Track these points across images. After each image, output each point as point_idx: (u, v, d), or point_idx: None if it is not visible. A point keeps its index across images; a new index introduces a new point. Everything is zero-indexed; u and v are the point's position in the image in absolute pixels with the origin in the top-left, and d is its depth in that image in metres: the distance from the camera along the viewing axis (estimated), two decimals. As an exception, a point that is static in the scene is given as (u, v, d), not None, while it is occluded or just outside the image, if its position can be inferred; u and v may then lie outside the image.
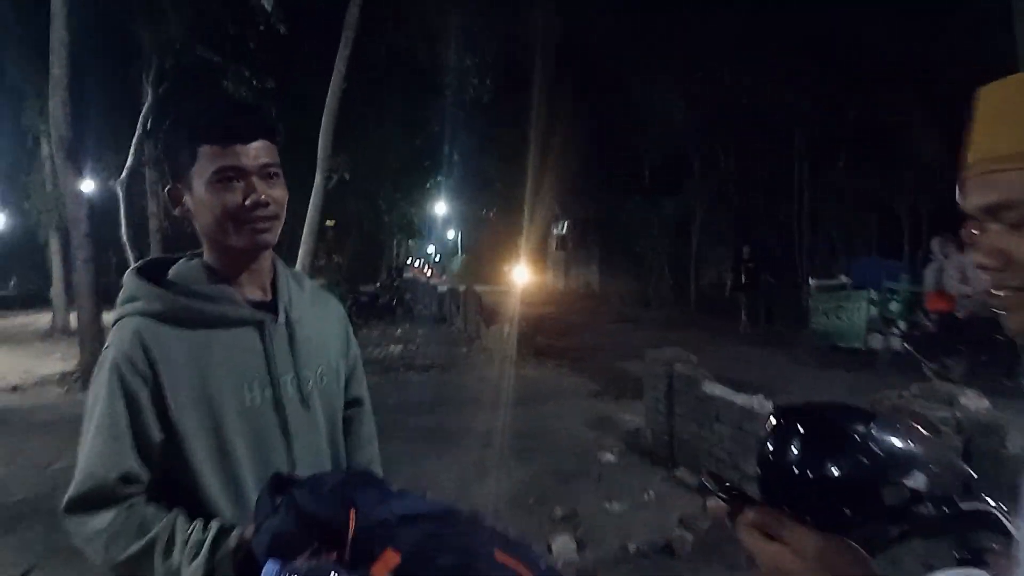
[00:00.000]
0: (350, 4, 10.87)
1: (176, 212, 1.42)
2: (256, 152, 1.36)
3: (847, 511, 1.47)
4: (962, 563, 1.42)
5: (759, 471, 1.63)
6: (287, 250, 10.98)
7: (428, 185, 22.19)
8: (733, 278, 16.81)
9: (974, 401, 3.15)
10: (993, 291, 0.80)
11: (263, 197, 1.36)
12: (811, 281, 12.21)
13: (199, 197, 1.36)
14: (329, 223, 18.10)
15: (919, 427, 2.70)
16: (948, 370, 8.14)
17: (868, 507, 1.46)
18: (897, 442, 1.51)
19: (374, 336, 14.63)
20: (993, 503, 1.42)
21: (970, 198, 0.79)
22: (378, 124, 16.03)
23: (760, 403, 5.05)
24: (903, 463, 1.47)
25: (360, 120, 14.52)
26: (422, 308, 19.88)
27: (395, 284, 21.49)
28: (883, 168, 16.09)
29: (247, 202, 1.35)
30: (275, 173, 1.40)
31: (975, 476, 1.54)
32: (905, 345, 9.19)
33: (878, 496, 1.46)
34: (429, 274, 37.58)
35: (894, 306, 10.18)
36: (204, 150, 1.34)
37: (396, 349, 12.92)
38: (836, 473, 1.47)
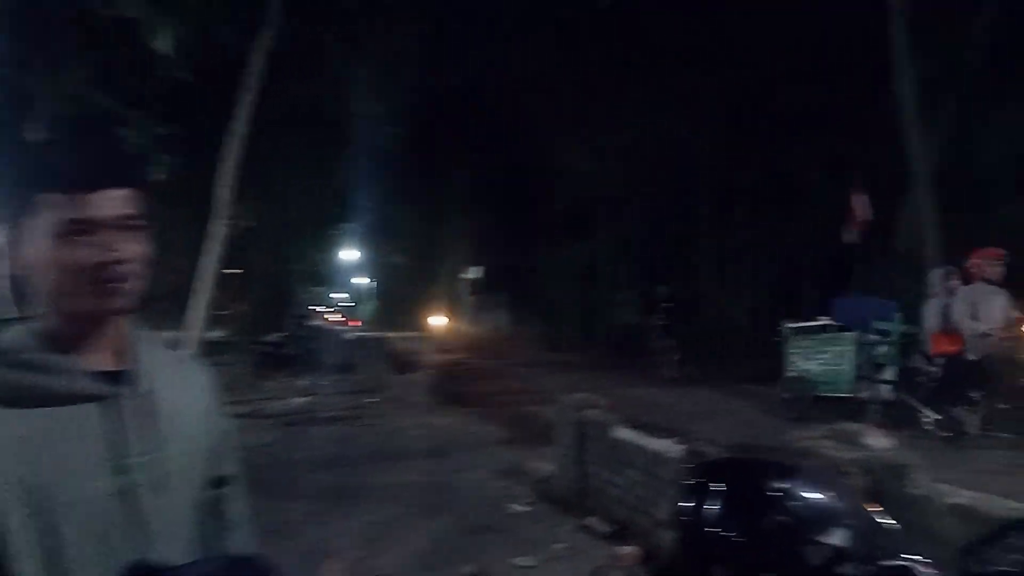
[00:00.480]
0: (255, 51, 10.64)
1: (15, 270, 1.20)
2: (113, 201, 1.15)
3: (768, 573, 1.37)
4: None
5: (679, 528, 1.51)
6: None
7: (337, 232, 21.79)
8: (652, 319, 16.71)
9: (879, 441, 3.16)
10: None
11: (119, 254, 1.15)
12: (786, 324, 10.69)
13: (37, 252, 1.14)
14: (232, 271, 17.47)
15: (836, 476, 2.63)
16: (956, 422, 7.21)
17: (789, 567, 1.36)
18: (819, 497, 1.41)
19: (276, 388, 14.03)
20: (912, 558, 1.35)
21: None
22: (285, 172, 15.67)
23: (670, 447, 5.01)
24: (825, 519, 1.37)
25: (265, 168, 14.16)
26: (330, 357, 19.30)
27: (301, 333, 20.82)
28: (784, 215, 16.75)
29: (99, 260, 1.13)
30: (137, 225, 1.19)
31: (898, 527, 1.47)
32: (900, 394, 8.16)
33: (800, 556, 1.36)
34: (338, 321, 36.76)
35: (886, 349, 9.00)
36: (44, 198, 1.13)
37: (299, 401, 12.40)
38: (757, 532, 1.37)
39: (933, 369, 7.74)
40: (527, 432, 8.70)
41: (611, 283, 21.36)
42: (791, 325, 10.51)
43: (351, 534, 5.34)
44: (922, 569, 1.29)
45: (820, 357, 9.70)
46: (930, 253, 12.09)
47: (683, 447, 4.70)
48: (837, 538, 1.32)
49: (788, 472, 1.43)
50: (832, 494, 1.42)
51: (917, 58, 11.90)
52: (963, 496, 2.61)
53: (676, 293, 16.40)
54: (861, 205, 11.39)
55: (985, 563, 1.33)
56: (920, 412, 7.65)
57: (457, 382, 13.15)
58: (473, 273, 26.67)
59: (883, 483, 2.92)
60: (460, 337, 21.45)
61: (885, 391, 8.48)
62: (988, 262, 7.68)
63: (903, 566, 1.29)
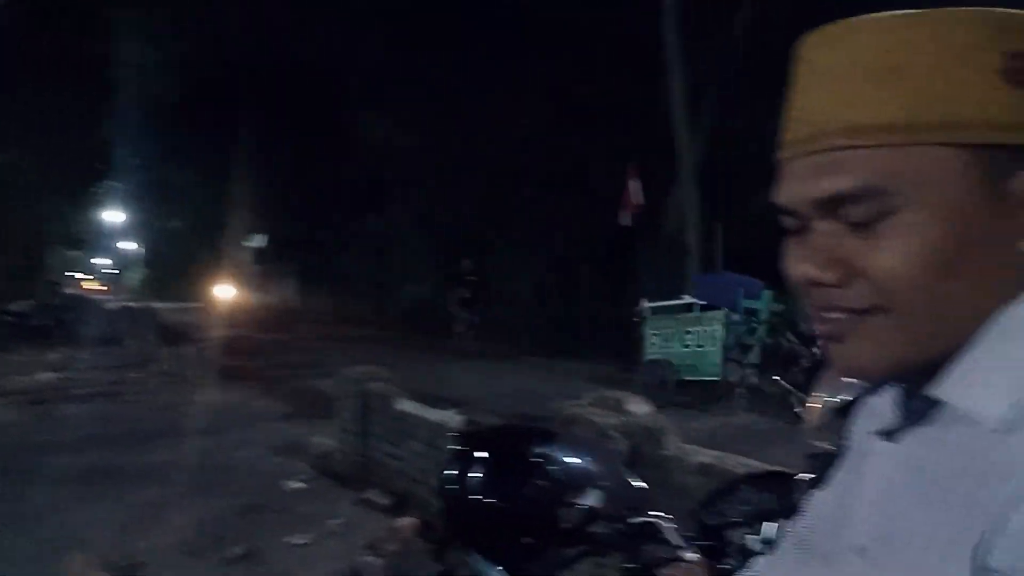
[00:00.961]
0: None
1: None
2: None
3: (528, 539, 1.39)
4: (627, 572, 1.42)
5: (444, 497, 1.50)
6: None
7: (100, 191, 19.67)
8: (455, 293, 16.66)
9: (639, 407, 3.39)
10: (823, 314, 0.58)
11: None
12: (643, 303, 9.84)
13: None
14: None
15: (594, 441, 2.76)
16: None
17: (548, 532, 1.39)
18: (575, 461, 1.47)
19: (21, 362, 12.45)
20: (657, 515, 1.44)
21: (798, 187, 0.57)
22: (38, 119, 13.81)
23: (452, 418, 5.06)
24: (581, 483, 1.43)
25: (12, 112, 12.39)
26: (89, 329, 17.46)
27: (55, 302, 18.63)
28: (570, 198, 17.53)
29: None
30: None
31: (645, 488, 1.56)
32: (775, 379, 7.84)
33: (557, 519, 1.40)
34: (99, 290, 33.34)
35: (755, 330, 8.57)
36: None
37: (49, 377, 11.09)
38: (517, 497, 1.39)
39: (813, 352, 7.31)
40: (309, 407, 8.42)
41: (406, 257, 21.24)
42: (650, 304, 9.67)
43: (105, 521, 4.86)
44: (665, 524, 1.37)
45: (684, 339, 8.94)
46: (693, 237, 13.32)
47: (463, 418, 4.77)
48: (591, 499, 1.37)
49: (547, 438, 1.47)
50: (588, 458, 1.47)
51: (687, 55, 12.95)
52: (707, 455, 2.88)
53: (478, 268, 16.58)
54: (635, 191, 12.24)
55: (719, 515, 1.44)
56: (792, 395, 7.39)
57: (236, 356, 12.45)
58: (257, 241, 25.31)
59: (640, 446, 3.14)
60: (242, 309, 20.29)
61: (753, 374, 8.18)
62: None
63: (648, 522, 1.37)
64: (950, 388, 0.53)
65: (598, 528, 1.38)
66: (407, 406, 5.54)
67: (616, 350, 13.46)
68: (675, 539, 1.36)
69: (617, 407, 3.36)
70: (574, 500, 1.40)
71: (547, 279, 19.27)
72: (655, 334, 9.39)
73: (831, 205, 0.54)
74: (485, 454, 1.46)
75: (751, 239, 13.57)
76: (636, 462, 3.09)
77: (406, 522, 4.70)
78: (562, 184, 17.20)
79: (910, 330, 0.53)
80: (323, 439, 6.81)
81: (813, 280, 0.56)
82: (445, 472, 1.47)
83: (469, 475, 1.45)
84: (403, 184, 20.80)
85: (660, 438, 3.10)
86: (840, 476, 0.71)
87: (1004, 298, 0.52)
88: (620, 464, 1.62)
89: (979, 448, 0.50)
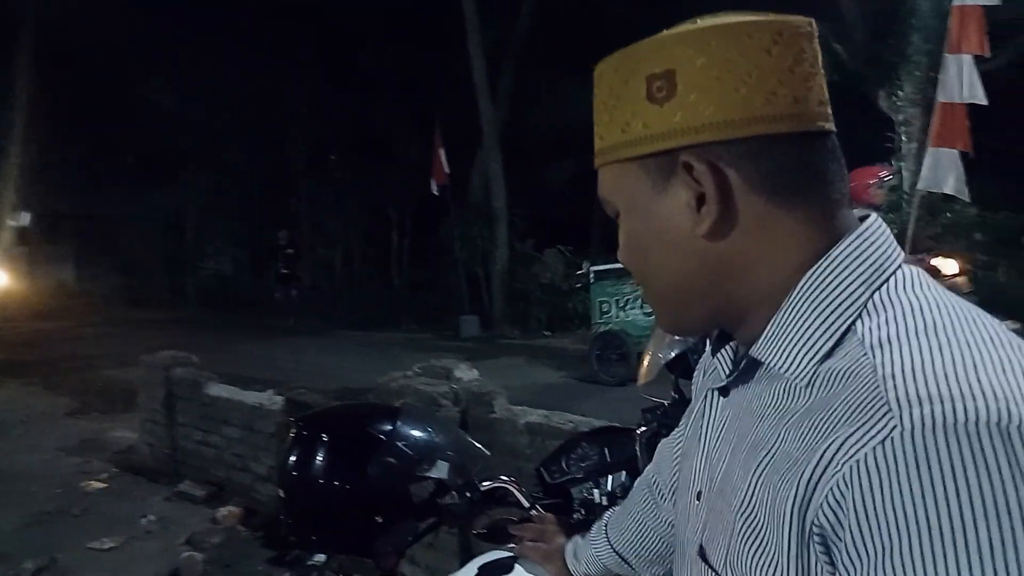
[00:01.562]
0: None
1: None
2: None
3: (378, 519, 1.38)
4: (480, 537, 1.45)
5: (282, 491, 1.44)
6: None
7: None
8: (274, 267, 15.72)
9: (467, 373, 3.44)
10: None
11: None
12: (587, 266, 8.96)
13: None
14: None
15: (439, 415, 2.77)
16: None
17: (399, 509, 1.38)
18: (421, 435, 1.47)
19: None
20: (505, 479, 1.48)
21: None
22: None
23: (271, 399, 4.86)
24: (428, 456, 1.43)
25: None
26: None
27: None
28: (377, 167, 17.22)
29: None
30: None
31: (488, 454, 1.59)
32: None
33: (407, 495, 1.39)
34: None
35: None
36: None
37: None
38: (366, 480, 1.36)
39: None
40: (103, 400, 7.72)
41: (201, 232, 19.87)
42: (597, 268, 8.67)
43: None
44: (514, 488, 1.41)
45: (643, 305, 7.90)
46: (497, 204, 13.61)
47: (283, 399, 4.59)
48: (439, 471, 1.38)
49: (390, 415, 1.45)
50: (432, 430, 1.48)
51: (485, 22, 13.09)
52: (535, 415, 2.99)
53: (295, 239, 15.81)
54: (441, 160, 12.30)
55: (561, 472, 1.50)
56: None
57: (7, 347, 11.12)
58: (22, 220, 22.53)
59: (470, 411, 3.20)
60: (8, 294, 18.03)
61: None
62: (866, 184, 7.81)
63: (499, 487, 1.40)
64: (764, 348, 0.60)
65: (449, 500, 1.39)
66: (219, 390, 5.24)
67: (435, 318, 13.59)
68: (524, 500, 1.41)
69: (445, 374, 3.39)
70: (422, 474, 1.40)
71: (360, 250, 18.92)
72: (604, 301, 8.39)
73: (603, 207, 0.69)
74: (327, 436, 1.41)
75: (552, 207, 14.18)
76: (467, 427, 3.15)
77: (227, 511, 4.49)
78: (372, 154, 16.86)
79: (658, 300, 0.68)
80: (124, 433, 6.29)
81: (622, 263, 0.70)
82: (286, 459, 1.41)
83: (312, 460, 1.40)
84: (195, 155, 19.36)
85: (489, 402, 3.17)
86: (686, 428, 0.80)
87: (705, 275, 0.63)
88: (463, 433, 1.64)
89: (788, 399, 0.58)
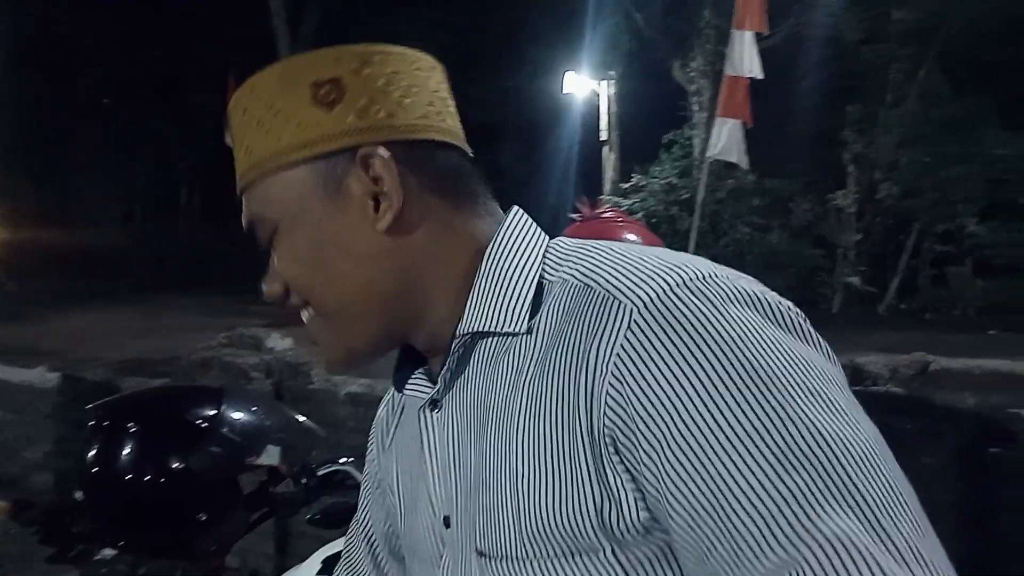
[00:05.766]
0: None
1: None
2: None
3: (201, 516, 1.23)
4: (313, 524, 1.35)
5: (80, 491, 1.24)
6: None
7: None
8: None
9: (279, 342, 3.23)
10: (304, 320, 0.67)
11: None
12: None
13: None
14: None
15: (265, 393, 2.56)
16: None
17: (225, 503, 1.24)
18: (249, 418, 1.32)
19: None
20: (346, 459, 1.38)
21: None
22: None
23: (43, 377, 4.30)
24: (257, 441, 1.29)
25: None
26: None
27: None
28: (166, 118, 15.78)
29: None
30: None
31: (323, 434, 1.48)
32: None
33: (235, 486, 1.25)
34: None
35: None
36: None
37: None
38: (186, 474, 1.21)
39: None
40: None
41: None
42: None
43: None
44: (353, 470, 1.32)
45: None
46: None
47: (59, 375, 4.08)
48: (270, 457, 1.26)
49: (212, 397, 1.30)
50: (261, 412, 1.34)
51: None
52: (356, 385, 2.87)
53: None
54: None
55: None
56: None
57: None
58: None
59: (284, 383, 3.01)
60: None
61: None
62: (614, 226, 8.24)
63: (339, 470, 1.30)
64: (473, 319, 0.61)
65: (284, 488, 1.27)
66: (-21, 368, 4.57)
67: (235, 280, 12.78)
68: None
69: (255, 344, 3.16)
70: (252, 462, 1.27)
71: (142, 205, 17.35)
72: None
73: (252, 236, 0.66)
74: (135, 426, 1.24)
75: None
76: (282, 400, 2.96)
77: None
78: (154, 100, 15.40)
79: (332, 320, 0.65)
80: None
81: (270, 295, 0.67)
82: (87, 453, 1.22)
83: (118, 454, 1.22)
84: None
85: (307, 372, 3.00)
86: (407, 465, 0.72)
87: (406, 266, 0.63)
88: (293, 413, 1.50)
89: (518, 358, 0.59)
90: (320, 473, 1.29)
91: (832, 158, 10.51)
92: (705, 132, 8.06)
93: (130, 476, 1.17)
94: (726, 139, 5.52)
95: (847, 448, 0.45)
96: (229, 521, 1.24)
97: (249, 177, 0.64)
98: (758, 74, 5.37)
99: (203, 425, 1.22)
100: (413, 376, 0.68)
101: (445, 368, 0.63)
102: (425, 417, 0.67)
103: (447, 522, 0.64)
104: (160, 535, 1.22)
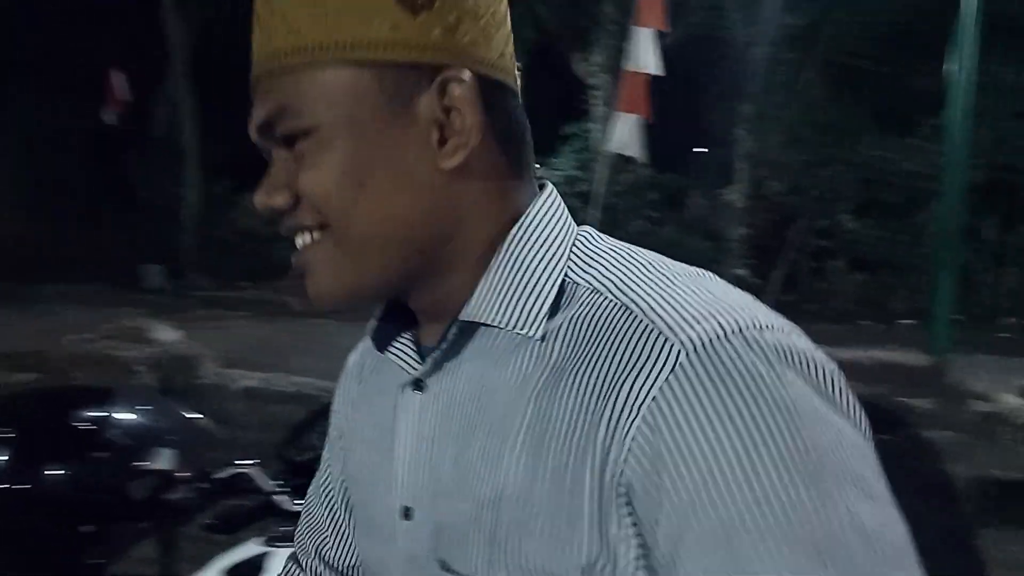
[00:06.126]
0: None
1: None
2: None
3: (85, 528, 1.13)
4: (208, 530, 1.27)
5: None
6: None
7: None
8: None
9: (167, 333, 3.06)
10: (295, 247, 0.58)
11: None
12: None
13: None
14: None
15: (157, 392, 2.42)
16: None
17: (113, 513, 1.15)
18: (139, 420, 1.23)
19: None
20: (244, 463, 1.30)
21: (251, 119, 0.56)
22: None
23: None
24: (148, 444, 1.20)
25: None
26: None
27: None
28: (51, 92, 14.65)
29: None
30: None
31: (218, 434, 1.39)
32: None
33: (123, 495, 1.16)
34: None
35: None
36: None
37: None
38: (69, 483, 1.11)
39: None
40: None
41: None
42: None
43: None
44: (254, 473, 1.25)
45: None
46: (186, 138, 12.42)
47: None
48: (163, 461, 1.17)
49: (98, 398, 1.20)
50: (152, 413, 1.25)
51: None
52: (252, 378, 2.75)
53: None
54: (119, 85, 10.87)
55: (308, 449, 1.36)
56: None
57: None
58: None
59: (173, 377, 2.86)
60: None
61: None
62: None
63: (238, 474, 1.22)
64: (481, 306, 0.54)
65: (178, 493, 1.19)
66: None
67: (109, 267, 12.05)
68: (266, 485, 1.25)
69: (139, 337, 2.97)
70: (142, 467, 1.18)
71: (14, 187, 16.12)
72: None
73: (267, 130, 0.55)
74: (10, 432, 1.14)
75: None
76: (168, 393, 2.80)
77: None
78: (28, 76, 14.29)
79: (357, 244, 0.55)
80: None
81: (267, 206, 0.56)
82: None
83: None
84: None
85: (196, 366, 2.85)
86: (373, 435, 0.65)
87: (450, 220, 0.55)
88: (184, 411, 1.41)
89: (525, 362, 0.53)
90: (216, 477, 1.22)
91: (724, 155, 10.98)
92: (604, 126, 8.22)
93: (3, 487, 1.07)
94: (624, 133, 5.63)
95: (887, 544, 0.44)
96: (116, 533, 1.15)
97: (290, 60, 0.53)
98: (658, 70, 5.50)
99: (87, 428, 1.13)
100: (399, 339, 0.60)
101: (438, 349, 0.56)
102: (401, 395, 0.60)
103: (407, 514, 0.58)
104: (35, 553, 1.12)
